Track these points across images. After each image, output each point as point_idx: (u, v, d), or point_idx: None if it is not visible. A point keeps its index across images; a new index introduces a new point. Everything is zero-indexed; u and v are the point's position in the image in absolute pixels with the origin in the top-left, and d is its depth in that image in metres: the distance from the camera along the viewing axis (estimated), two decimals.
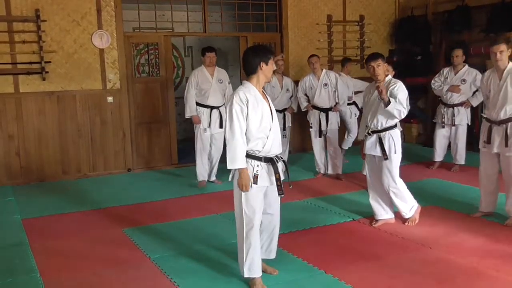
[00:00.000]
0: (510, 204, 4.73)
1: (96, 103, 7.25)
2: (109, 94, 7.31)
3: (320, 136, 6.81)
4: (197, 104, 6.44)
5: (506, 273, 3.67)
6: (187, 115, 6.51)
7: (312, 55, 6.84)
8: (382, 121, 4.64)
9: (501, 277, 3.62)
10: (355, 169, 6.95)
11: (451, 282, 3.56)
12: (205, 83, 6.41)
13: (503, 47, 4.54)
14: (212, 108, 6.42)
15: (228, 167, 3.42)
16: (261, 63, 3.45)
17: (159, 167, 7.72)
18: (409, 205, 4.77)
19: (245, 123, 3.37)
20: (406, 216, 4.80)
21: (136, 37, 7.79)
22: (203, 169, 6.49)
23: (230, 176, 3.56)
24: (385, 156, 4.62)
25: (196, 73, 6.47)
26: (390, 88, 4.55)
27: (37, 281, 3.77)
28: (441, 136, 7.00)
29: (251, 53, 3.48)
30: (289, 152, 7.71)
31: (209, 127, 6.43)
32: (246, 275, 3.50)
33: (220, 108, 6.44)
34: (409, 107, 4.60)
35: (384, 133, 4.65)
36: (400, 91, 4.53)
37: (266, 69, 3.48)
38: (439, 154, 7.08)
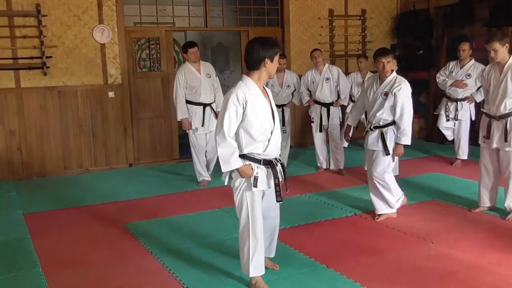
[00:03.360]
0: (510, 200, 4.73)
1: (98, 98, 7.24)
2: (110, 89, 7.30)
3: (321, 131, 6.80)
4: (189, 102, 6.16)
5: (508, 267, 3.68)
6: (179, 118, 6.22)
7: (315, 49, 6.81)
8: (384, 118, 4.64)
9: (503, 271, 3.62)
10: (357, 164, 6.95)
11: (453, 277, 3.56)
12: (194, 80, 6.13)
13: (495, 45, 4.48)
14: (204, 105, 6.18)
15: (223, 170, 3.26)
16: (266, 59, 3.20)
17: (160, 162, 7.72)
18: (395, 197, 4.78)
19: (236, 125, 3.19)
20: (394, 208, 4.81)
21: (137, 32, 7.77)
22: (202, 169, 6.35)
23: (226, 180, 3.38)
24: (386, 151, 4.62)
25: (182, 71, 6.14)
26: (394, 90, 4.54)
27: (39, 276, 3.78)
28: (445, 124, 6.98)
29: (257, 47, 3.19)
30: (291, 147, 7.69)
31: (202, 126, 6.18)
32: (252, 274, 3.38)
33: (212, 105, 6.24)
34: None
35: (386, 128, 4.65)
36: (403, 93, 4.51)
37: (271, 66, 3.25)
38: (449, 135, 7.09)
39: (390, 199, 4.75)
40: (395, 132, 4.63)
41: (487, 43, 4.55)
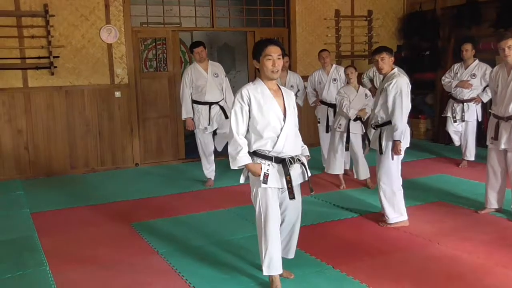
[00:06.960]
0: None
1: (104, 98, 7.28)
2: (117, 89, 7.33)
3: (327, 132, 6.79)
4: (195, 102, 6.17)
5: None
6: (183, 117, 6.26)
7: (323, 50, 6.81)
8: (381, 115, 4.58)
9: (509, 273, 3.61)
10: None
11: (459, 278, 3.55)
12: (200, 79, 6.14)
13: (511, 42, 4.51)
14: (210, 104, 6.18)
15: (231, 166, 3.31)
16: (254, 61, 3.33)
17: (166, 162, 7.74)
18: (395, 213, 4.59)
19: (243, 122, 3.27)
20: (388, 221, 4.62)
21: (144, 32, 7.80)
22: (209, 169, 6.37)
23: (242, 178, 3.46)
24: (380, 150, 4.57)
25: (189, 71, 6.17)
26: (386, 85, 4.45)
27: (47, 274, 3.80)
28: (453, 127, 6.95)
29: None
30: None
31: (209, 125, 6.19)
32: (265, 273, 3.38)
33: (220, 103, 6.23)
34: (409, 105, 4.51)
35: (384, 127, 4.57)
36: (394, 88, 4.37)
37: (260, 67, 3.29)
38: (457, 140, 7.04)
39: (388, 211, 4.58)
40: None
41: (501, 40, 4.56)
